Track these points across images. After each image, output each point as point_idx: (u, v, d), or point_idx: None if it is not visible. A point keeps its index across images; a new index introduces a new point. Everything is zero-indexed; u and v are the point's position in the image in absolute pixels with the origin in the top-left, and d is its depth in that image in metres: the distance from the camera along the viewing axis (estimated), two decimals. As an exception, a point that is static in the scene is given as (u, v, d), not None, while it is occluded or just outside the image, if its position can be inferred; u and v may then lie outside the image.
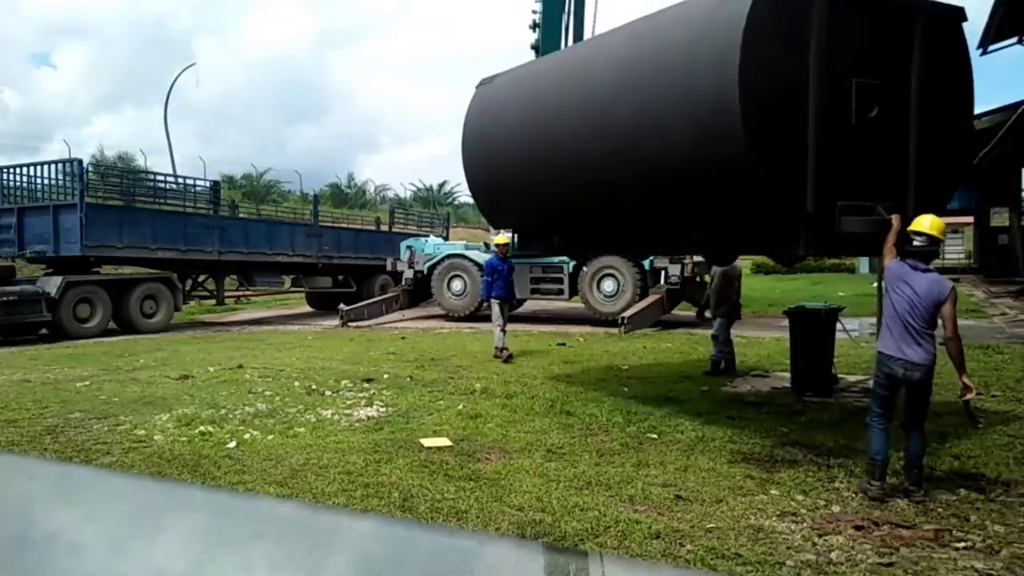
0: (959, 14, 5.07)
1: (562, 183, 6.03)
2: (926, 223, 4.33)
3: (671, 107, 4.86)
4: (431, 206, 40.15)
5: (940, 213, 4.58)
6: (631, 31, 5.56)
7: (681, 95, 4.78)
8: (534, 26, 15.57)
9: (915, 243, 4.35)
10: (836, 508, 3.99)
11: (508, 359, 9.66)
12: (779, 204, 4.55)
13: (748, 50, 4.22)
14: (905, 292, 4.22)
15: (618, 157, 5.30)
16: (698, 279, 14.45)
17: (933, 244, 4.35)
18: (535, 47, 15.69)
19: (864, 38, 4.76)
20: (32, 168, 15.22)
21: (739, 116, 4.23)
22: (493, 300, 10.13)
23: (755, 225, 4.94)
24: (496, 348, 9.95)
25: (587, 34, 15.80)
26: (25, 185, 15.22)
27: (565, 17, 15.40)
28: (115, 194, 16.21)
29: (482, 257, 16.82)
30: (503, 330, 10.04)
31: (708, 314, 10.80)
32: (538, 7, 15.31)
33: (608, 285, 14.63)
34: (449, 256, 17.30)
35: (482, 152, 7.06)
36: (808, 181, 4.50)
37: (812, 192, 4.50)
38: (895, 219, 4.53)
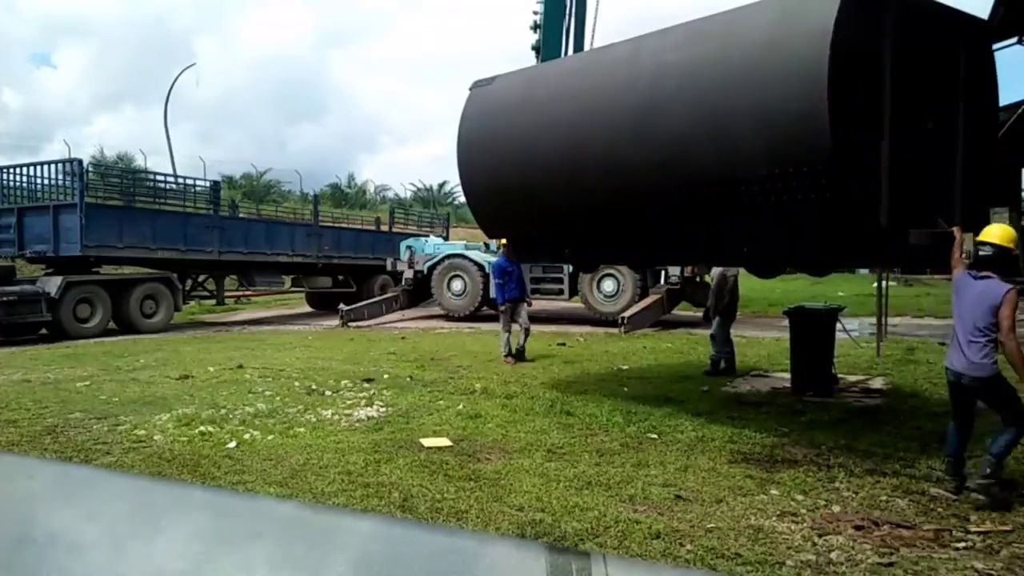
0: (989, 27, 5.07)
1: (588, 192, 5.76)
2: (994, 232, 4.33)
3: (737, 116, 4.69)
4: (431, 206, 40.15)
5: (977, 228, 4.59)
6: (684, 36, 5.30)
7: (752, 105, 4.61)
8: (535, 27, 15.58)
9: (981, 253, 4.33)
10: (836, 508, 3.99)
11: (510, 360, 9.57)
12: (855, 217, 4.45)
13: (836, 61, 4.11)
14: (961, 301, 4.28)
15: (666, 166, 5.10)
16: (698, 279, 14.46)
17: (1003, 254, 4.30)
18: (535, 48, 15.69)
19: (923, 52, 4.72)
20: (32, 168, 15.22)
21: (828, 128, 4.12)
22: (507, 304, 9.82)
23: (823, 238, 4.76)
24: (507, 350, 9.71)
25: (588, 35, 15.83)
26: (25, 185, 15.22)
27: (566, 19, 15.40)
28: (115, 194, 16.21)
29: (482, 257, 16.83)
30: (526, 330, 9.85)
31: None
32: (539, 8, 15.32)
33: (608, 285, 14.64)
34: (449, 256, 17.30)
35: (484, 157, 6.72)
36: (882, 194, 4.44)
37: (886, 205, 4.44)
38: (957, 231, 4.53)
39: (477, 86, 7.00)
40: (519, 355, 9.72)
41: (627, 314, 13.38)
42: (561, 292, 15.63)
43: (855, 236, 4.64)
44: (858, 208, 4.46)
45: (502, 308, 9.91)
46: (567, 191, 5.96)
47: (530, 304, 10.61)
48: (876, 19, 4.47)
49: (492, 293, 12.50)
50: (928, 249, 4.71)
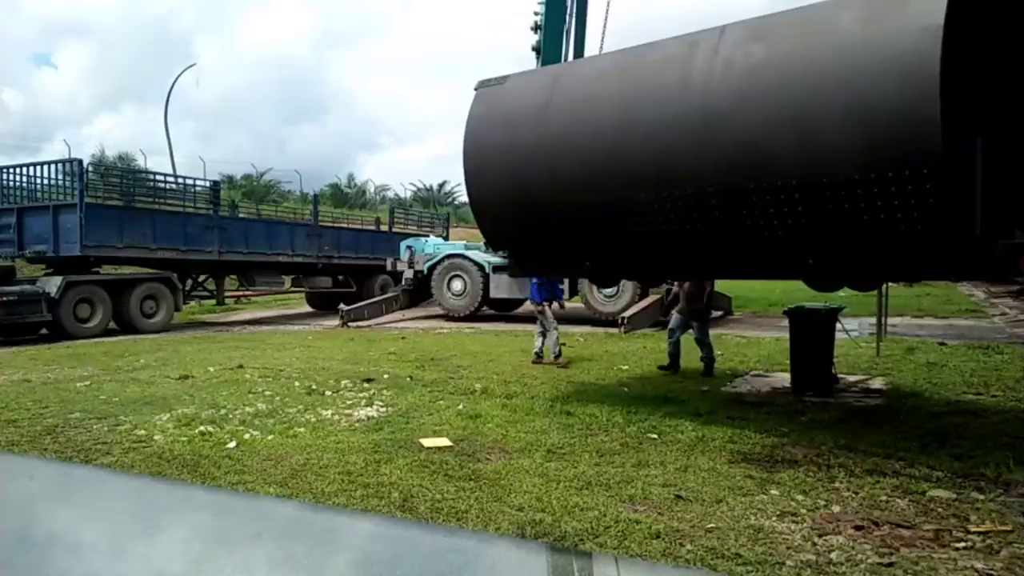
0: None
1: (634, 201, 5.39)
2: None
3: (826, 117, 4.45)
4: (431, 206, 40.16)
5: None
6: (750, 33, 4.97)
7: (844, 104, 4.37)
8: (535, 28, 15.56)
9: None
10: (836, 508, 3.98)
11: (563, 361, 9.34)
12: (952, 224, 4.25)
13: (946, 57, 3.95)
14: None
15: (735, 171, 4.83)
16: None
17: None
18: (536, 49, 15.68)
19: (1000, 55, 4.57)
20: (32, 168, 15.23)
21: (938, 129, 3.95)
22: (544, 304, 9.64)
23: (913, 246, 4.49)
24: (552, 354, 9.50)
25: (589, 36, 15.81)
26: (25, 185, 15.23)
27: (567, 20, 15.39)
28: (115, 194, 16.22)
29: (482, 257, 16.84)
30: (555, 329, 9.65)
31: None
32: (541, 9, 15.30)
33: (608, 285, 14.63)
34: (449, 256, 17.31)
35: (499, 163, 6.24)
36: (977, 202, 4.25)
37: (980, 213, 4.25)
38: None
39: (485, 86, 6.60)
40: (540, 357, 9.52)
41: (627, 314, 13.38)
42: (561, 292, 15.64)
43: (944, 245, 4.38)
44: (957, 215, 4.24)
45: (539, 308, 9.68)
46: (606, 200, 5.56)
47: (562, 307, 10.28)
48: (979, 12, 4.27)
49: (525, 293, 12.07)
50: (1009, 260, 4.50)
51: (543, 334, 9.63)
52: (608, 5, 7.63)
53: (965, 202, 4.26)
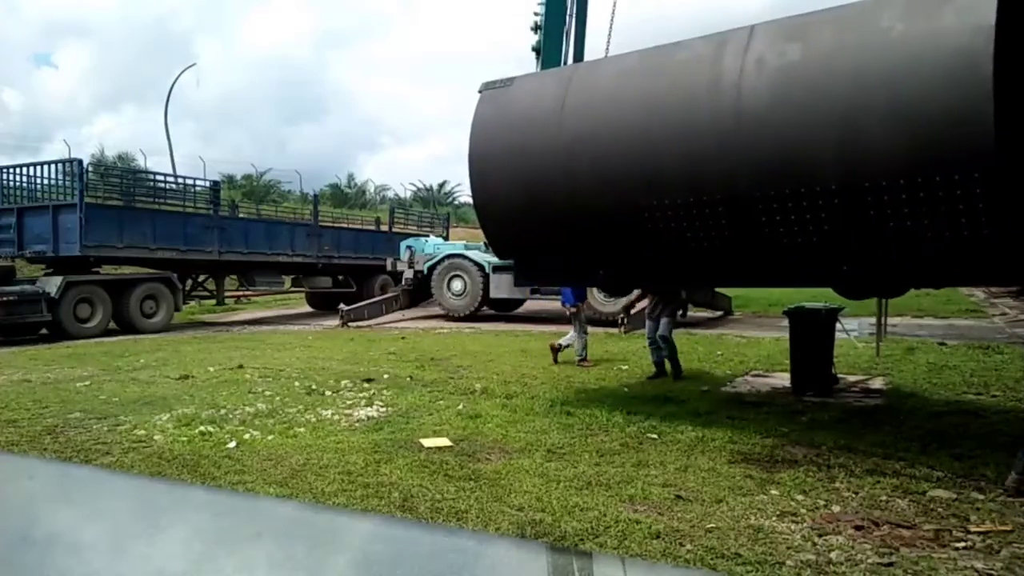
0: None
1: (660, 206, 5.23)
2: None
3: (869, 119, 4.33)
4: (431, 206, 40.16)
5: None
6: (783, 33, 4.86)
7: (890, 105, 4.26)
8: (536, 28, 15.56)
9: None
10: (836, 508, 3.98)
11: (587, 363, 9.32)
12: (1001, 228, 4.13)
13: (999, 56, 3.86)
14: None
15: (769, 173, 4.70)
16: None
17: None
18: (536, 49, 15.68)
19: None
20: (32, 168, 15.23)
21: (991, 131, 3.86)
22: (579, 305, 9.61)
23: (958, 251, 4.33)
24: (577, 356, 9.51)
25: (589, 37, 15.81)
26: (25, 185, 15.23)
27: (567, 20, 15.38)
28: (115, 194, 16.22)
29: (482, 257, 16.84)
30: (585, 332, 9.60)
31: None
32: (541, 10, 15.30)
33: (608, 285, 14.62)
34: (449, 256, 17.31)
35: (508, 167, 6.01)
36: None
37: None
38: None
39: (490, 88, 6.40)
40: (557, 352, 9.46)
41: (633, 309, 13.37)
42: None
43: (990, 249, 4.25)
44: (1008, 218, 4.12)
45: (572, 309, 9.63)
46: (628, 204, 5.38)
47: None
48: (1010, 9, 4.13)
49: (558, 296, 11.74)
50: None
51: (584, 333, 9.61)
52: (614, 6, 7.13)
53: (1014, 206, 4.15)
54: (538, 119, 5.93)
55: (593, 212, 5.61)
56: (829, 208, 4.59)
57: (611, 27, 7.25)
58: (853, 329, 10.14)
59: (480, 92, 6.46)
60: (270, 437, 5.62)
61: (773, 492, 4.24)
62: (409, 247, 18.53)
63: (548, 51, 15.41)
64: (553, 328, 14.03)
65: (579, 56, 16.14)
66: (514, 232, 6.28)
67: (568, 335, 9.64)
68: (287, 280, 20.63)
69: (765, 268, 5.37)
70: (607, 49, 7.00)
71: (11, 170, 15.26)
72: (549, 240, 6.05)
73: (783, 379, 7.89)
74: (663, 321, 8.21)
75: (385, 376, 8.45)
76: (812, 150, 4.56)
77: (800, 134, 4.61)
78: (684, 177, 5.10)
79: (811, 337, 7.22)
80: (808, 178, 4.59)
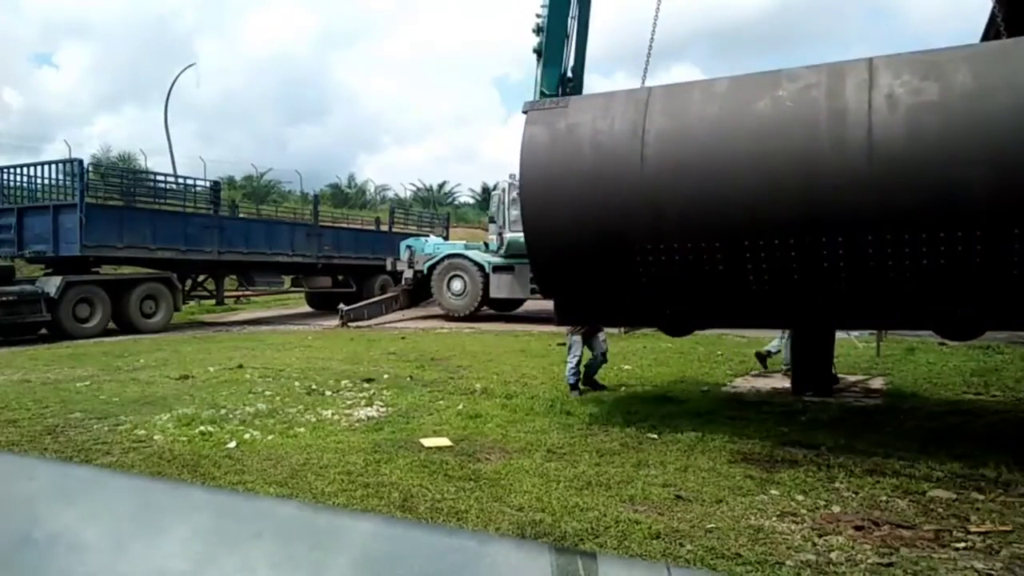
0: None
1: (766, 246, 4.92)
2: None
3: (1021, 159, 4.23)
4: (431, 206, 40.16)
5: None
6: (915, 69, 4.67)
7: None
8: (537, 30, 15.54)
9: None
10: (836, 508, 3.98)
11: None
12: None
13: None
14: None
15: (913, 214, 4.52)
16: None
17: None
18: (537, 51, 15.67)
19: None
20: (32, 168, 15.24)
21: None
22: None
23: None
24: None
25: (590, 37, 15.77)
26: (25, 185, 15.25)
27: (570, 23, 15.37)
28: (115, 194, 16.24)
29: (482, 257, 16.86)
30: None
31: None
32: (543, 12, 15.29)
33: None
34: (449, 256, 17.32)
35: (578, 198, 5.48)
36: None
37: None
38: None
39: (539, 109, 5.94)
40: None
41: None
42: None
43: None
44: None
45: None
46: (728, 242, 5.06)
47: None
48: None
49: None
50: None
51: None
52: (659, 4, 6.50)
53: None
54: (609, 146, 5.43)
55: (682, 249, 5.21)
56: (965, 249, 4.48)
57: (655, 24, 6.67)
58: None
59: (525, 112, 5.96)
60: (270, 437, 5.62)
61: (773, 492, 4.24)
62: (409, 247, 18.53)
63: (549, 53, 15.40)
64: (553, 328, 14.02)
65: (580, 60, 16.12)
66: (574, 267, 5.72)
67: (773, 341, 8.71)
68: (287, 280, 20.65)
69: (873, 310, 5.12)
70: (650, 46, 6.53)
71: (11, 170, 15.27)
72: (616, 277, 5.55)
73: (783, 379, 7.90)
74: (600, 338, 7.61)
75: (385, 376, 8.45)
76: (957, 192, 4.43)
77: (944, 175, 4.47)
78: (801, 215, 4.81)
79: (811, 337, 7.22)
80: (950, 220, 4.46)
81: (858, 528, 3.66)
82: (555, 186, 5.60)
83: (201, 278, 17.88)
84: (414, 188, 46.19)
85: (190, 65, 46.66)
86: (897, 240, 4.61)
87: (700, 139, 5.17)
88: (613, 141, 5.42)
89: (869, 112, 4.63)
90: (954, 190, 4.43)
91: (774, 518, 3.82)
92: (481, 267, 16.73)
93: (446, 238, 22.93)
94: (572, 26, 15.49)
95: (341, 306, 16.85)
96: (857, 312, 5.25)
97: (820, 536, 3.57)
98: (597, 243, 5.45)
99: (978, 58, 4.65)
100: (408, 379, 8.25)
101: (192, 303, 18.98)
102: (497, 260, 16.61)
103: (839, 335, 7.58)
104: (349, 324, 16.29)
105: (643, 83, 6.02)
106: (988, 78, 4.50)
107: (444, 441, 5.42)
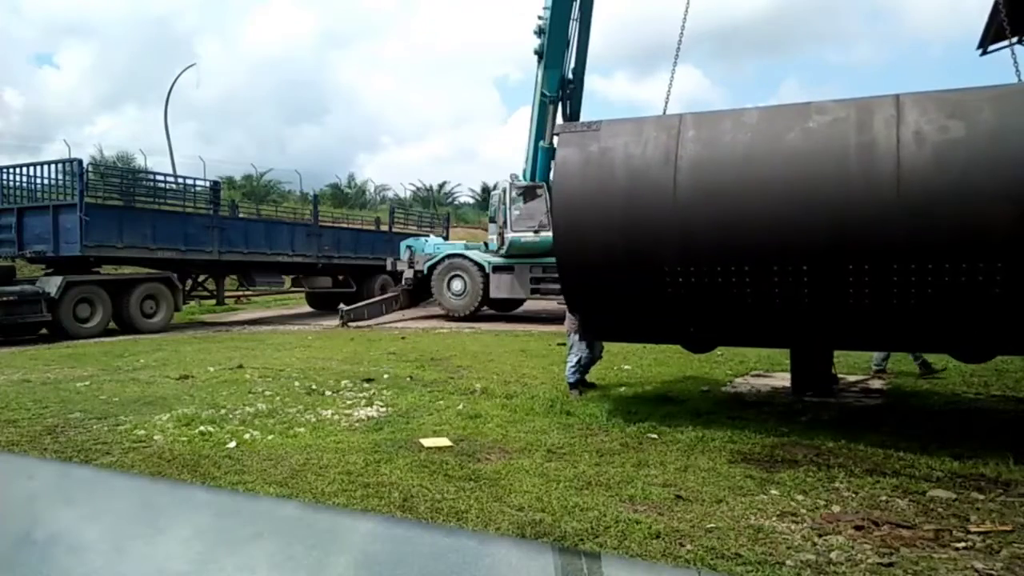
0: None
1: (794, 270, 5.08)
2: None
3: None
4: (431, 206, 40.15)
5: None
6: (940, 108, 4.85)
7: None
8: (539, 32, 15.55)
9: None
10: (836, 508, 3.98)
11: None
12: None
13: None
14: None
15: (938, 243, 4.69)
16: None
17: None
18: (538, 52, 15.67)
19: None
20: (32, 168, 15.24)
21: None
22: None
23: None
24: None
25: (591, 37, 15.76)
26: (25, 185, 15.24)
27: (571, 25, 15.38)
28: (115, 194, 16.24)
29: (482, 257, 16.86)
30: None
31: None
32: (545, 14, 15.29)
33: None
34: (449, 256, 17.32)
35: (611, 220, 5.64)
36: None
37: None
38: None
39: (571, 131, 6.09)
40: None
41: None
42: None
43: None
44: None
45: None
46: (756, 266, 5.22)
47: None
48: None
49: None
50: None
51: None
52: (685, 17, 6.49)
53: None
54: (642, 170, 5.59)
55: (711, 272, 5.37)
56: (986, 279, 4.64)
57: (683, 30, 6.65)
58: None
59: (558, 135, 6.20)
60: (270, 437, 5.62)
61: (773, 492, 4.24)
62: (409, 247, 18.53)
63: (551, 56, 15.41)
64: (553, 328, 14.03)
65: (581, 62, 16.13)
66: (603, 286, 5.90)
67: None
68: (287, 280, 20.65)
69: (895, 334, 5.30)
70: (677, 50, 6.56)
71: (11, 170, 15.27)
72: (644, 296, 5.74)
73: (783, 379, 7.89)
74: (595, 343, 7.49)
75: (385, 376, 8.45)
76: (979, 225, 4.60)
77: (968, 209, 4.62)
78: (829, 242, 4.96)
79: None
80: (972, 251, 4.63)
81: (858, 528, 3.66)
82: (587, 206, 5.75)
83: (201, 278, 17.89)
84: (414, 188, 46.22)
85: (190, 65, 46.61)
86: (921, 269, 4.78)
87: (733, 168, 5.31)
88: (647, 166, 5.57)
89: (897, 147, 4.80)
90: (977, 223, 4.61)
91: (774, 518, 3.82)
92: (481, 267, 16.73)
93: (446, 238, 22.93)
94: (574, 29, 15.50)
95: (341, 306, 16.86)
96: (878, 335, 5.43)
97: (820, 536, 3.57)
98: (627, 263, 5.62)
99: (1002, 99, 4.80)
100: (408, 379, 8.25)
101: (192, 303, 18.98)
102: (497, 260, 16.61)
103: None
104: (349, 324, 16.29)
105: (670, 84, 6.12)
106: (1011, 118, 4.69)
107: (444, 441, 5.42)
